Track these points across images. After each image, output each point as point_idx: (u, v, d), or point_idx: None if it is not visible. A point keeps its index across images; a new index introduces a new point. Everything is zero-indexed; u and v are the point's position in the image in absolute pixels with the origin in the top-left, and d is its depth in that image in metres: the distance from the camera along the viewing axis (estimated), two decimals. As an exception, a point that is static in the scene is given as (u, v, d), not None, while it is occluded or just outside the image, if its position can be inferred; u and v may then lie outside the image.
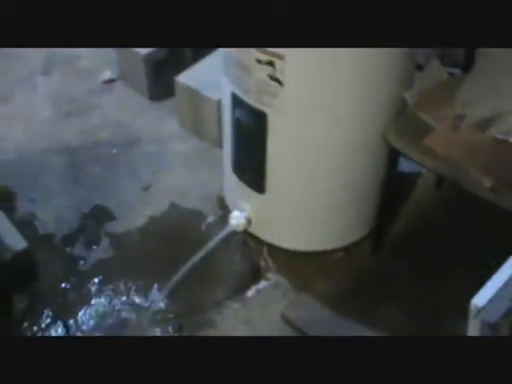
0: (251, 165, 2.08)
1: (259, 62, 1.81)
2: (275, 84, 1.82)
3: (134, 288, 2.21)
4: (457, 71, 2.43)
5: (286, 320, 2.08)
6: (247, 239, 2.28)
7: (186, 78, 2.66)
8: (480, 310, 1.45)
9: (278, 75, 1.80)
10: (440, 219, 2.32)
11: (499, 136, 1.73)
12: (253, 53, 1.80)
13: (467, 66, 2.35)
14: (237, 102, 1.97)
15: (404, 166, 2.29)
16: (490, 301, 1.46)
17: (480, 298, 1.47)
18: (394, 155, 2.03)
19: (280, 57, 1.77)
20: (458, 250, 2.21)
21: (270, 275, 2.23)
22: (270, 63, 1.79)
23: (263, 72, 1.82)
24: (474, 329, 1.47)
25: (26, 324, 2.11)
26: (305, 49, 1.74)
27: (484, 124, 1.77)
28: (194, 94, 2.61)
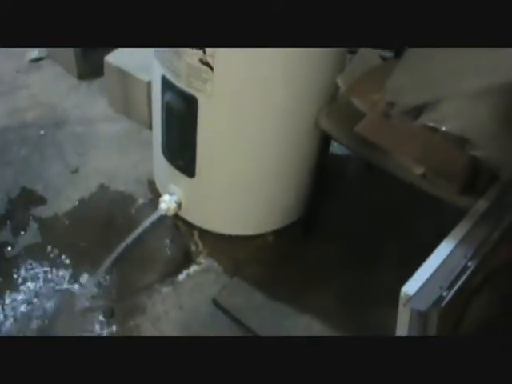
0: (181, 149, 2.05)
1: (190, 46, 1.78)
2: (206, 69, 1.80)
3: (63, 274, 2.16)
4: (389, 54, 2.44)
5: (218, 305, 2.07)
6: (178, 223, 2.27)
7: (116, 58, 2.60)
8: (410, 298, 1.46)
9: (209, 60, 1.78)
10: (372, 204, 2.33)
11: (430, 124, 1.72)
12: (183, 36, 1.77)
13: (399, 49, 2.36)
14: (167, 85, 1.94)
15: (336, 148, 2.28)
16: (420, 289, 1.48)
17: (410, 286, 1.49)
18: (326, 140, 2.03)
19: (211, 41, 1.74)
20: (392, 236, 2.23)
21: (201, 259, 2.21)
22: (201, 47, 1.77)
23: (194, 56, 1.79)
24: (403, 316, 1.49)
25: None
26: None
27: (415, 112, 1.76)
28: (123, 75, 2.56)
